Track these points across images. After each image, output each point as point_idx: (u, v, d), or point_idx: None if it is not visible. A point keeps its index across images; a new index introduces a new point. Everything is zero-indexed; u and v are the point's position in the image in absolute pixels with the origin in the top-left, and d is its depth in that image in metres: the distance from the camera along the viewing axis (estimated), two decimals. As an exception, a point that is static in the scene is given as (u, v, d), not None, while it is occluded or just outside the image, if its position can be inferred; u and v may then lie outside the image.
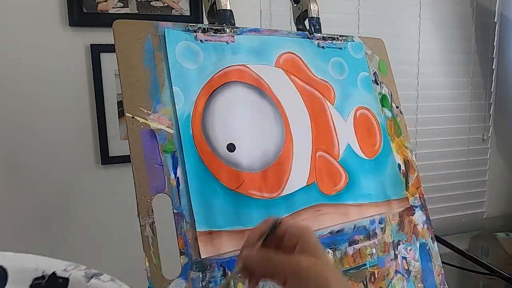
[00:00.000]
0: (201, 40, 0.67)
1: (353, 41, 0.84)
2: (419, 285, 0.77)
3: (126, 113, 0.58)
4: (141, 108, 0.60)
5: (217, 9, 0.70)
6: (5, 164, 1.08)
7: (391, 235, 0.75)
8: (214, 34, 0.68)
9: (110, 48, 1.09)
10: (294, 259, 0.41)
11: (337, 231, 0.69)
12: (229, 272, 0.57)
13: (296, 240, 0.43)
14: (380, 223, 0.74)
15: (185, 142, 0.60)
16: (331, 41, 0.81)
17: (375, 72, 0.85)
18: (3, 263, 0.35)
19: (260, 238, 0.44)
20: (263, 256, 0.43)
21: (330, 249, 0.67)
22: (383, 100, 0.85)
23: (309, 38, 0.78)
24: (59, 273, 0.35)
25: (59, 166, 1.12)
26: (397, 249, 0.75)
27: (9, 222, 1.09)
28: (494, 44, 1.69)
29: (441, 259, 0.81)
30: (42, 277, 0.35)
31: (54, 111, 1.10)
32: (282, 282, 0.42)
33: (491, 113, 1.74)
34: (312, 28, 0.80)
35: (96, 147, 1.15)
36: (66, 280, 0.35)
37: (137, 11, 1.15)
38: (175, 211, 0.57)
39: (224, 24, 0.70)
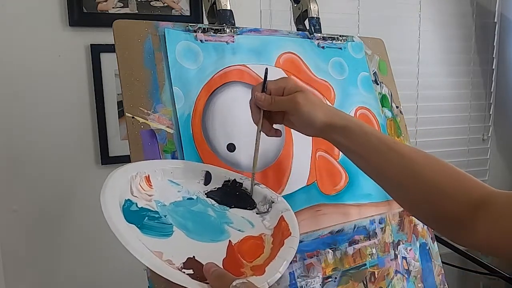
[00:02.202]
0: (201, 40, 0.67)
1: (353, 41, 0.84)
2: (419, 285, 0.77)
3: (126, 113, 0.58)
4: (141, 108, 0.60)
5: (217, 9, 0.70)
6: (5, 164, 1.08)
7: (391, 235, 0.75)
8: (214, 34, 0.68)
9: (110, 48, 1.09)
10: (291, 96, 0.56)
11: (337, 231, 0.69)
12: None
13: (282, 89, 0.57)
14: (380, 223, 0.74)
15: (185, 142, 0.60)
16: (331, 41, 0.80)
17: (375, 72, 0.85)
18: (209, 169, 0.59)
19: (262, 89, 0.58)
20: (270, 97, 0.57)
21: (330, 249, 0.67)
22: (383, 100, 0.85)
23: (309, 38, 0.78)
24: (238, 180, 0.59)
25: (59, 166, 1.12)
26: (397, 249, 0.75)
27: (9, 222, 1.09)
28: (494, 44, 1.69)
29: (441, 259, 0.81)
30: (228, 180, 0.59)
31: (54, 111, 1.10)
32: (282, 115, 0.59)
33: (491, 113, 1.74)
34: (312, 28, 0.80)
35: (96, 147, 1.15)
36: (241, 184, 0.59)
37: (137, 11, 1.15)
38: (175, 211, 0.57)
39: (224, 24, 0.70)
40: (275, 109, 0.58)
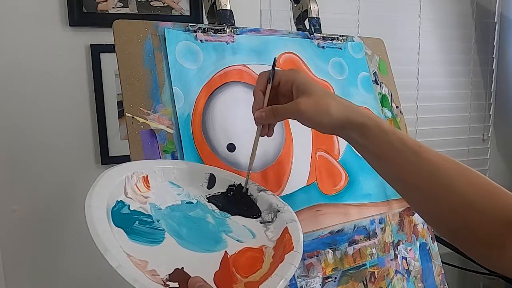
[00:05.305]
0: (201, 40, 0.67)
1: (353, 41, 0.84)
2: (419, 285, 0.77)
3: (126, 113, 0.58)
4: (141, 108, 0.60)
5: (217, 9, 0.70)
6: (5, 164, 1.08)
7: (391, 235, 0.75)
8: (214, 34, 0.68)
9: (110, 48, 1.09)
10: (294, 104, 0.51)
11: (337, 231, 0.69)
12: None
13: (291, 83, 0.53)
14: (380, 223, 0.74)
15: (185, 142, 0.60)
16: (331, 41, 0.81)
17: (375, 72, 0.85)
18: (213, 172, 0.56)
19: (264, 95, 0.54)
20: (271, 111, 0.53)
21: (330, 249, 0.67)
22: (383, 100, 0.85)
23: (309, 38, 0.78)
24: (244, 184, 0.56)
25: (59, 166, 1.12)
26: (397, 249, 0.75)
27: (9, 222, 1.09)
28: (494, 44, 1.69)
29: (441, 259, 0.81)
30: (233, 185, 0.56)
31: (54, 111, 1.10)
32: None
33: (491, 113, 1.74)
34: (312, 28, 0.80)
35: (96, 147, 1.15)
36: (247, 189, 0.56)
37: (137, 11, 1.15)
38: (175, 211, 0.57)
39: (224, 24, 0.70)
40: (280, 119, 0.55)
